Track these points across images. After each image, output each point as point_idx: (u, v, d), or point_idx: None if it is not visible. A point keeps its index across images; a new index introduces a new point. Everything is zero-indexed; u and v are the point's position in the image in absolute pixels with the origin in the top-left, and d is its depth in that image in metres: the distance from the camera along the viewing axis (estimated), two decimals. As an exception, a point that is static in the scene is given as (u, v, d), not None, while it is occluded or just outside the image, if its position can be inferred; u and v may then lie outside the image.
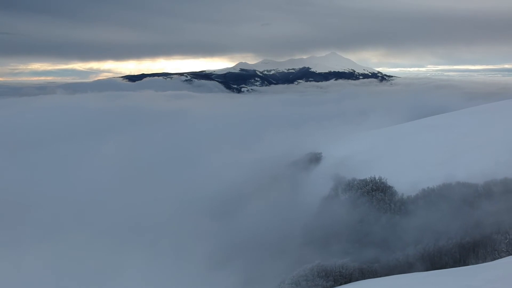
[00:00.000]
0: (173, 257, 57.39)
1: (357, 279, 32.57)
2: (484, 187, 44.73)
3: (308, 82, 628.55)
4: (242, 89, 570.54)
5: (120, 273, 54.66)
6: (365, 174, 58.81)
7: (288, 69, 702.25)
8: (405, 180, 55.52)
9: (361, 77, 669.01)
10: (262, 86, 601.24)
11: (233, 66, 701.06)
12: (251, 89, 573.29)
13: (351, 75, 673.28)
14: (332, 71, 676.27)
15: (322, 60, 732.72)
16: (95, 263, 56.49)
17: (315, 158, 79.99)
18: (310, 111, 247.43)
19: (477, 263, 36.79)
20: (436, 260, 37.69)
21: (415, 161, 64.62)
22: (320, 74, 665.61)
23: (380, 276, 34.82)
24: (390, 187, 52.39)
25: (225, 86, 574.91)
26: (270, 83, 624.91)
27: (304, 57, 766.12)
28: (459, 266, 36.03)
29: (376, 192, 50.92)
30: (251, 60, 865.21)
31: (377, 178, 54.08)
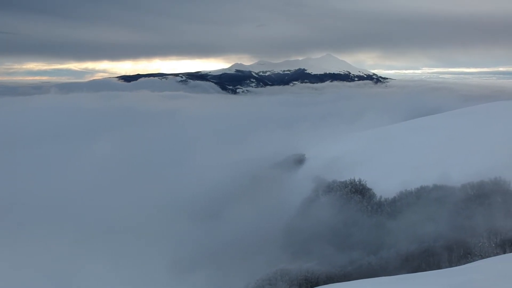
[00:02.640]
0: (144, 259, 56.43)
1: (324, 283, 32.01)
2: (461, 190, 44.42)
3: (304, 84, 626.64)
4: (238, 90, 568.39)
5: (81, 274, 53.76)
6: (350, 175, 57.83)
7: (284, 71, 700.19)
8: (391, 181, 54.54)
9: (356, 79, 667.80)
10: (258, 87, 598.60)
11: (229, 67, 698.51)
12: (247, 90, 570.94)
13: (346, 77, 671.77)
14: (327, 72, 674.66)
15: (317, 61, 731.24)
16: (60, 263, 55.61)
17: (299, 160, 79.60)
18: (304, 113, 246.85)
19: (450, 266, 36.47)
20: (409, 263, 37.30)
21: (402, 163, 64.05)
22: (315, 75, 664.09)
23: (351, 280, 34.37)
24: (369, 190, 51.85)
25: (220, 87, 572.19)
26: (265, 84, 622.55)
27: (300, 58, 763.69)
28: (432, 270, 35.71)
29: (354, 194, 50.37)
30: (246, 61, 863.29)
31: (356, 180, 53.49)
